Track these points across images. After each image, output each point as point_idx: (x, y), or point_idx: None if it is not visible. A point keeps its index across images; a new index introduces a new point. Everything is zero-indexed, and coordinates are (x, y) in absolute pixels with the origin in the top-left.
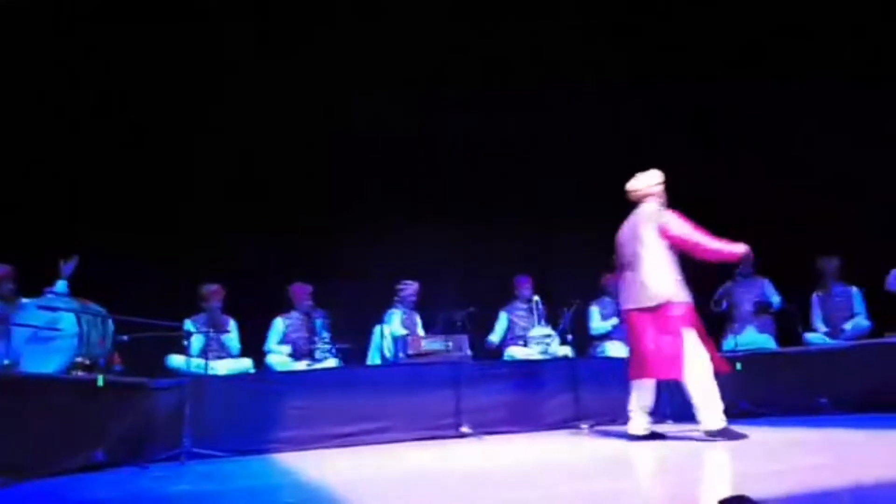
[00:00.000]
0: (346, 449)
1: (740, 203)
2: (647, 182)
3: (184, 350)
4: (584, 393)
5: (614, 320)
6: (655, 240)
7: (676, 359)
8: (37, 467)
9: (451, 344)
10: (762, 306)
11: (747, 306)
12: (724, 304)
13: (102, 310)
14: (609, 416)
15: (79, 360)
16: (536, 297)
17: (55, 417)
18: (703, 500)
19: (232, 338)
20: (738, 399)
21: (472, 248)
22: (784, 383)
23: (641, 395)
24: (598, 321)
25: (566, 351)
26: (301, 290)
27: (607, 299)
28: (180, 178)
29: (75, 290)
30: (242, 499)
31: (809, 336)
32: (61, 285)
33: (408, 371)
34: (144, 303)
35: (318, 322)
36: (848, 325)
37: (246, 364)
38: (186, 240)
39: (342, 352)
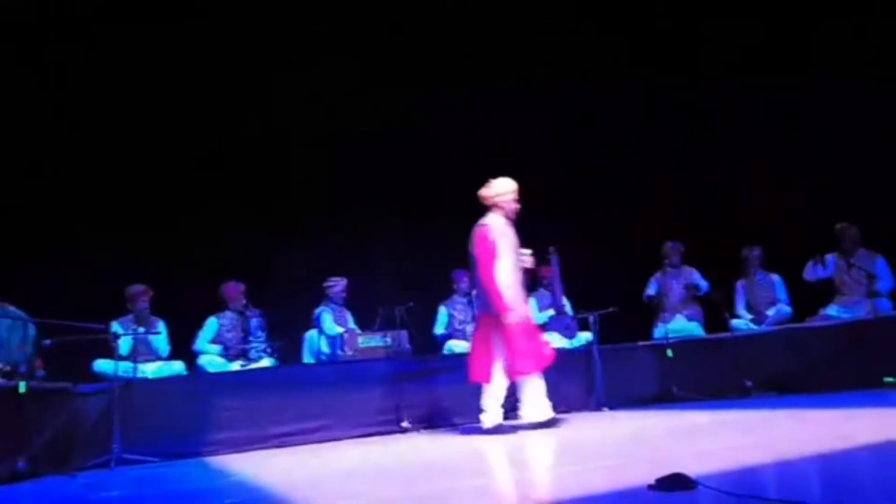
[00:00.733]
0: (284, 449)
1: (669, 197)
2: (496, 191)
3: (111, 353)
4: None
5: (550, 311)
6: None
7: (522, 359)
8: None
9: (390, 340)
10: (691, 289)
11: (677, 295)
12: (654, 292)
13: (22, 313)
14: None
15: None
16: (475, 291)
17: None
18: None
19: (161, 339)
20: (669, 384)
21: (410, 243)
22: (712, 368)
23: (495, 390)
24: (535, 313)
25: None
26: (234, 289)
27: (544, 291)
28: (102, 176)
29: None
30: (181, 502)
31: (735, 322)
32: None
33: (346, 369)
34: (67, 305)
35: (253, 321)
36: (770, 312)
37: (177, 366)
38: (112, 239)
39: (278, 351)
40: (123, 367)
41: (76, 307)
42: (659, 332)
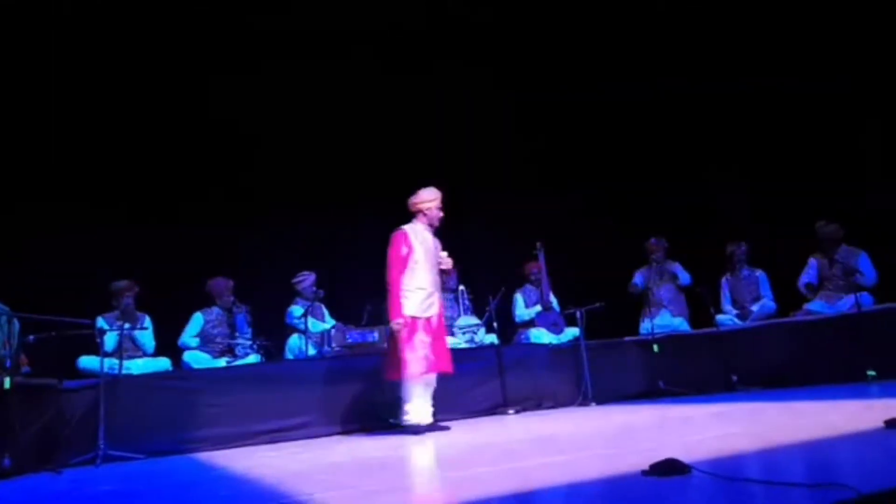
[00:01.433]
0: (272, 445)
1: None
2: (420, 198)
3: (96, 349)
4: (510, 379)
5: (538, 307)
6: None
7: (399, 363)
8: None
9: (377, 336)
10: (669, 276)
11: (662, 291)
12: (640, 286)
13: (6, 308)
14: (534, 401)
15: None
16: (462, 287)
17: None
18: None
19: (147, 335)
20: (656, 379)
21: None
22: (698, 363)
23: (426, 390)
24: (522, 308)
25: (492, 338)
26: (222, 285)
27: (531, 287)
28: (86, 170)
29: None
30: (175, 495)
31: (720, 317)
32: None
33: (333, 365)
34: (51, 301)
35: (240, 317)
36: (755, 307)
37: (163, 363)
38: (97, 233)
39: (264, 347)
40: (109, 364)
41: (60, 303)
42: (645, 327)
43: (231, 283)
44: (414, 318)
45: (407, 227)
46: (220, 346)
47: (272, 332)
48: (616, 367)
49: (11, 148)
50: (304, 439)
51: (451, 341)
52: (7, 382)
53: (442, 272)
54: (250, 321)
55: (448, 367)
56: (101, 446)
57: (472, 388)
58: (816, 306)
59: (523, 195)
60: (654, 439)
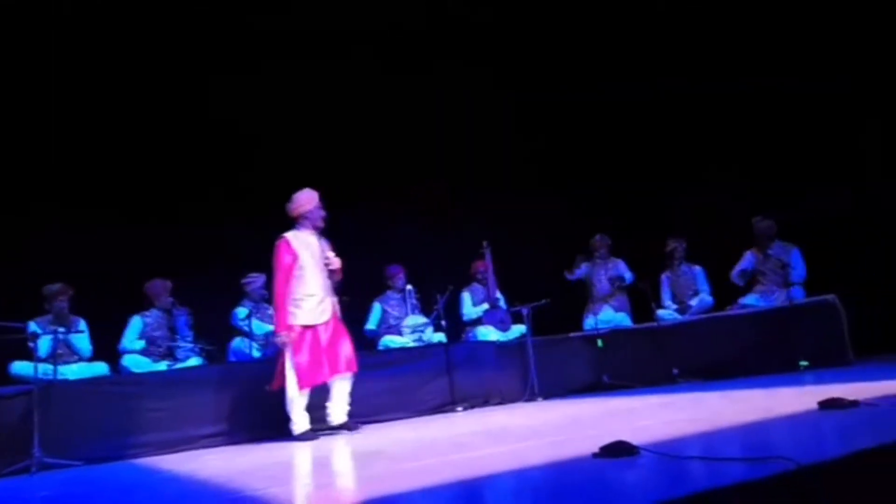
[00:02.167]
0: (214, 450)
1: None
2: (298, 203)
3: (29, 355)
4: (458, 376)
5: (485, 306)
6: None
7: (280, 373)
8: None
9: None
10: (616, 281)
11: (605, 287)
12: (579, 273)
13: None
14: (482, 398)
15: None
16: (410, 287)
17: None
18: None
19: (83, 339)
20: (600, 373)
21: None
22: (640, 357)
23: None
24: (469, 307)
25: (440, 337)
26: (160, 287)
27: (478, 286)
28: (21, 172)
29: None
30: (119, 497)
31: (661, 312)
32: None
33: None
34: None
35: (181, 320)
36: (693, 301)
37: (100, 368)
38: (28, 235)
39: (207, 350)
40: (43, 369)
41: None
42: (589, 323)
43: (169, 283)
44: (306, 328)
45: (289, 235)
46: (161, 350)
47: (214, 333)
48: (562, 363)
49: None
50: (248, 443)
51: (399, 340)
52: None
53: (331, 272)
54: (191, 323)
55: (339, 370)
56: (36, 454)
57: (420, 387)
58: (751, 300)
59: (468, 196)
60: (602, 427)
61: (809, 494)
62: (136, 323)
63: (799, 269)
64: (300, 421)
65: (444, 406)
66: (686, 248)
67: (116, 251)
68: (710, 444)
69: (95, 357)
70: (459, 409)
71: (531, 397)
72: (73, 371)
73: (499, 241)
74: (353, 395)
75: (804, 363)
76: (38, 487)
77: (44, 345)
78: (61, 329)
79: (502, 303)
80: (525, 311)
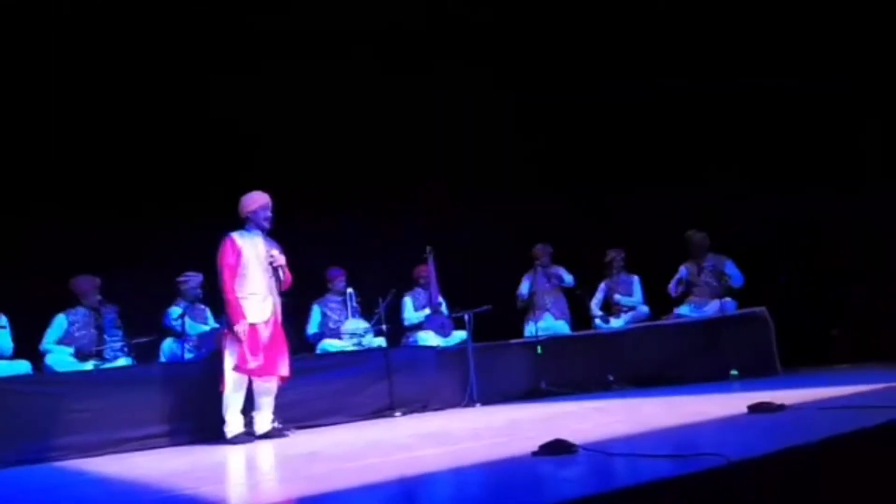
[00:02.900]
0: (144, 452)
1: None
2: (244, 204)
3: None
4: (397, 381)
5: (427, 311)
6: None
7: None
8: None
9: None
10: (554, 278)
11: (546, 295)
12: (526, 291)
13: None
14: (421, 403)
15: None
16: (350, 290)
17: None
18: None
19: (4, 335)
20: (538, 380)
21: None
22: (577, 364)
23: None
24: (411, 311)
25: (380, 342)
26: (87, 283)
27: (420, 290)
28: None
29: None
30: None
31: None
32: None
33: (210, 367)
34: None
35: (108, 318)
36: (629, 310)
37: (22, 366)
38: None
39: (135, 350)
40: None
41: None
42: (529, 329)
43: (98, 280)
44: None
45: (234, 233)
46: (87, 350)
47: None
48: (501, 369)
49: None
50: (180, 445)
51: (338, 344)
52: None
53: (276, 271)
54: (119, 322)
55: (276, 371)
56: None
57: (358, 392)
58: (685, 310)
59: (413, 201)
60: (540, 429)
61: (739, 489)
62: (60, 321)
63: (736, 278)
64: (234, 423)
65: (382, 411)
66: (625, 257)
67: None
68: (645, 444)
69: (16, 355)
70: (398, 413)
71: (470, 403)
72: None
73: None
74: (289, 399)
75: (734, 372)
76: None
77: None
78: None
79: (444, 308)
80: (467, 317)
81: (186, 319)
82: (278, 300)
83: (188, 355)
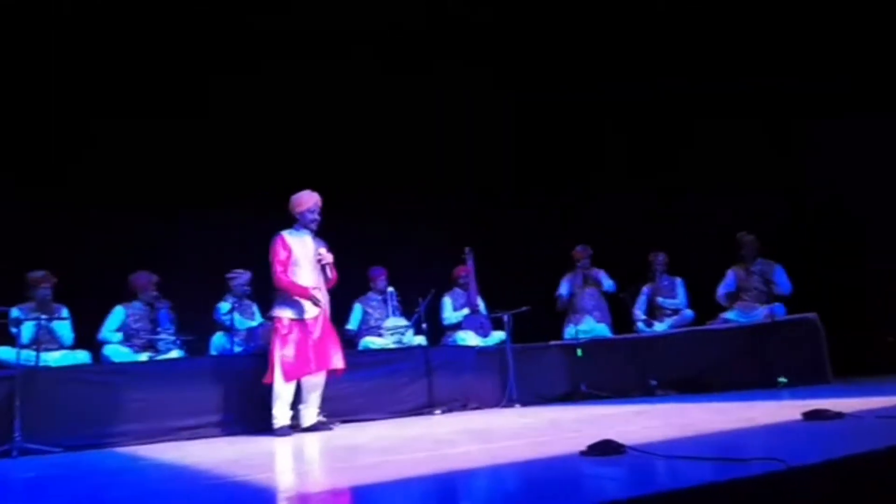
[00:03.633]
0: (195, 441)
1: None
2: (293, 204)
3: (10, 340)
4: (437, 380)
5: (465, 311)
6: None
7: (270, 366)
8: None
9: None
10: (593, 282)
11: (587, 297)
12: (566, 297)
13: None
14: (460, 402)
15: None
16: (391, 289)
17: None
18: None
19: (65, 326)
20: (578, 383)
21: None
22: (619, 368)
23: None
24: (450, 311)
25: (420, 340)
26: (144, 279)
27: (459, 291)
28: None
29: None
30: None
31: (640, 324)
32: None
33: (256, 362)
34: None
35: (162, 313)
36: (672, 313)
37: (82, 356)
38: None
39: (187, 344)
40: (26, 355)
41: None
42: (569, 332)
43: (154, 277)
44: (294, 321)
45: (285, 232)
46: (142, 342)
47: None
48: (540, 371)
49: None
50: (229, 436)
51: (378, 342)
52: None
53: (324, 268)
54: (172, 317)
55: (328, 365)
56: (17, 439)
57: (399, 389)
58: (732, 315)
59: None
60: (583, 431)
61: (798, 497)
62: (118, 313)
63: (784, 285)
64: (281, 416)
65: (421, 408)
66: (665, 259)
67: (100, 240)
68: (695, 448)
69: (77, 345)
70: (437, 411)
71: (509, 403)
72: (54, 358)
73: (491, 244)
74: (332, 393)
75: (783, 380)
76: (22, 470)
77: (26, 331)
78: (44, 316)
79: (483, 308)
80: (506, 318)
81: (235, 314)
82: (327, 296)
83: (237, 349)
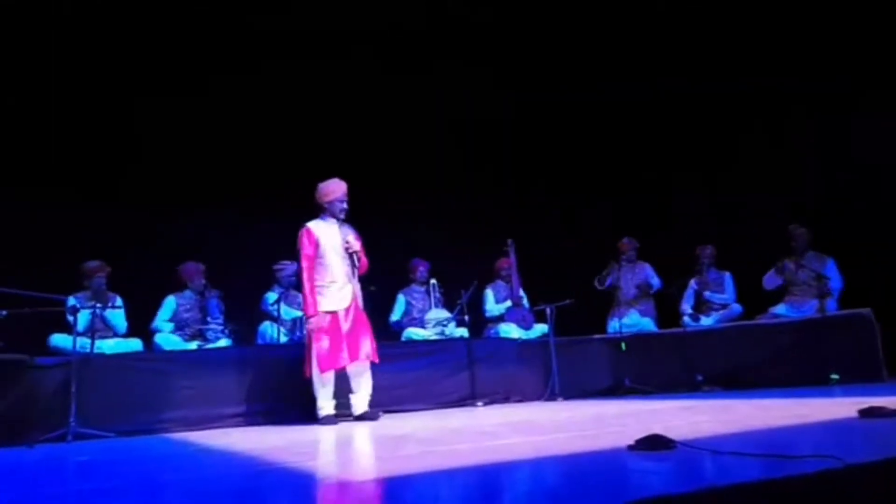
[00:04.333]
0: (243, 428)
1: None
2: (321, 193)
3: (67, 328)
4: (479, 372)
5: (508, 303)
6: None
7: (308, 358)
8: None
9: None
10: (644, 287)
11: (631, 291)
12: (609, 282)
13: None
14: (502, 394)
15: None
16: (433, 281)
17: None
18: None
19: (119, 315)
20: (622, 377)
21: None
22: (664, 362)
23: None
24: (492, 304)
25: (462, 332)
26: (194, 269)
27: (501, 283)
28: (60, 146)
29: None
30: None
31: (686, 318)
32: None
33: (301, 352)
34: (19, 278)
35: (212, 302)
36: (720, 308)
37: (135, 344)
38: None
39: (235, 333)
40: (81, 343)
41: (28, 280)
42: (613, 325)
43: (202, 266)
44: (326, 313)
45: (310, 223)
46: (192, 330)
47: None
48: (583, 364)
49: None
50: (275, 424)
51: (422, 333)
52: None
53: (352, 256)
54: (222, 307)
55: (359, 356)
56: (72, 423)
57: (441, 380)
58: (782, 310)
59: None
60: (629, 425)
61: (855, 496)
62: (169, 302)
63: (835, 280)
64: (325, 405)
65: (464, 400)
66: (713, 253)
67: (152, 231)
68: (746, 444)
69: (130, 334)
70: (479, 403)
71: (552, 396)
72: (109, 346)
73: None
74: (375, 384)
75: (835, 376)
76: (76, 454)
77: (82, 319)
78: (99, 305)
79: (525, 301)
80: (548, 310)
81: (282, 305)
82: (357, 286)
83: (283, 338)
